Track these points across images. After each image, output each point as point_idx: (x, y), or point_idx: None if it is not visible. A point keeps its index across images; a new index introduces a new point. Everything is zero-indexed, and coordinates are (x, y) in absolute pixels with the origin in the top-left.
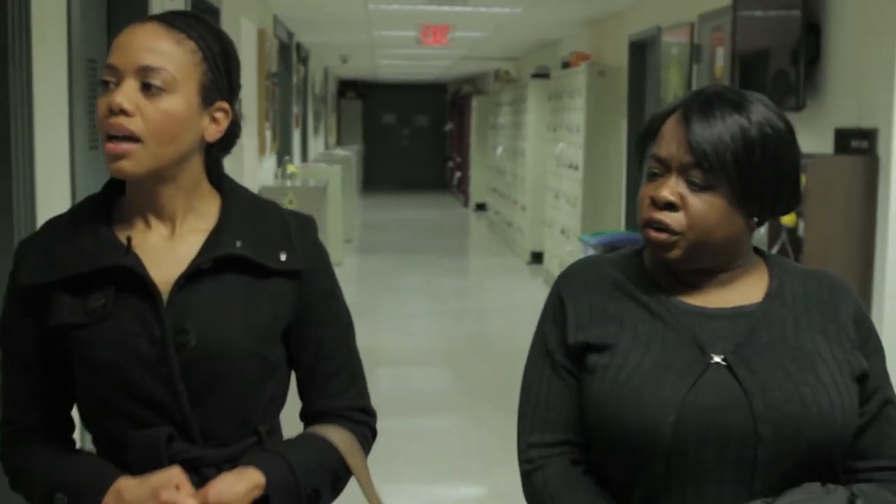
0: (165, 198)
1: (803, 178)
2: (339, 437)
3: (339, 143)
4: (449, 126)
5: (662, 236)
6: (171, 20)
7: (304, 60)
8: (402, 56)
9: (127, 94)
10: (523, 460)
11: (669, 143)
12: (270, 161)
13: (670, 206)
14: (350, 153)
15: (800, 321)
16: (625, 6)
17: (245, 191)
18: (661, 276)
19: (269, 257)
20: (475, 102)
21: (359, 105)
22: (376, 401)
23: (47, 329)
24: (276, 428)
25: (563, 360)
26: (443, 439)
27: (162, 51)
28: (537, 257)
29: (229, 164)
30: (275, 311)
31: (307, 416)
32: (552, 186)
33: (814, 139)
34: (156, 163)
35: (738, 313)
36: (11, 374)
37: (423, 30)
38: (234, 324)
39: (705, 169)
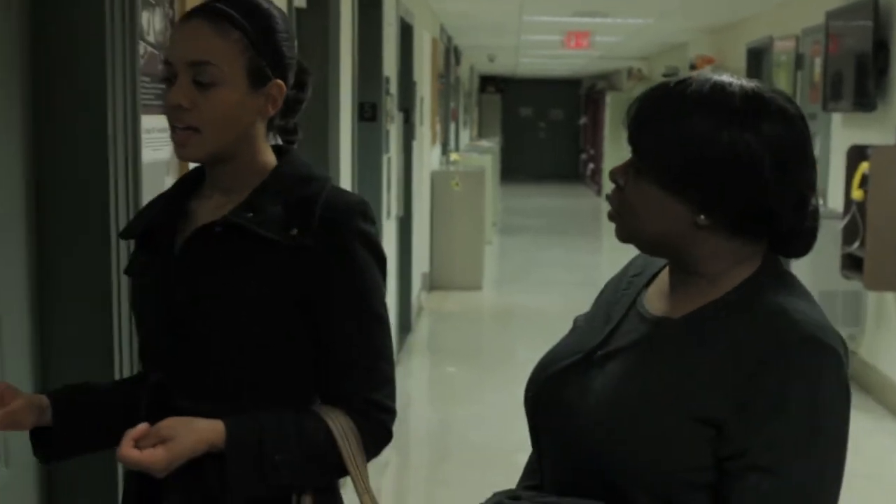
0: (225, 173)
1: (866, 165)
2: (337, 420)
3: (480, 135)
4: (583, 120)
5: (609, 214)
6: (213, 11)
7: (458, 61)
8: (543, 55)
9: (182, 89)
10: None
11: None
12: (436, 150)
13: (618, 187)
14: (493, 144)
15: (691, 345)
16: (743, 17)
17: (300, 166)
18: (656, 275)
19: (276, 230)
20: (609, 98)
21: (498, 99)
22: (520, 350)
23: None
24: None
25: None
26: None
27: (206, 45)
28: None
29: (415, 154)
30: (274, 284)
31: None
32: None
33: (881, 134)
34: (216, 146)
35: (658, 320)
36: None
37: (567, 35)
38: (220, 287)
39: (634, 151)
